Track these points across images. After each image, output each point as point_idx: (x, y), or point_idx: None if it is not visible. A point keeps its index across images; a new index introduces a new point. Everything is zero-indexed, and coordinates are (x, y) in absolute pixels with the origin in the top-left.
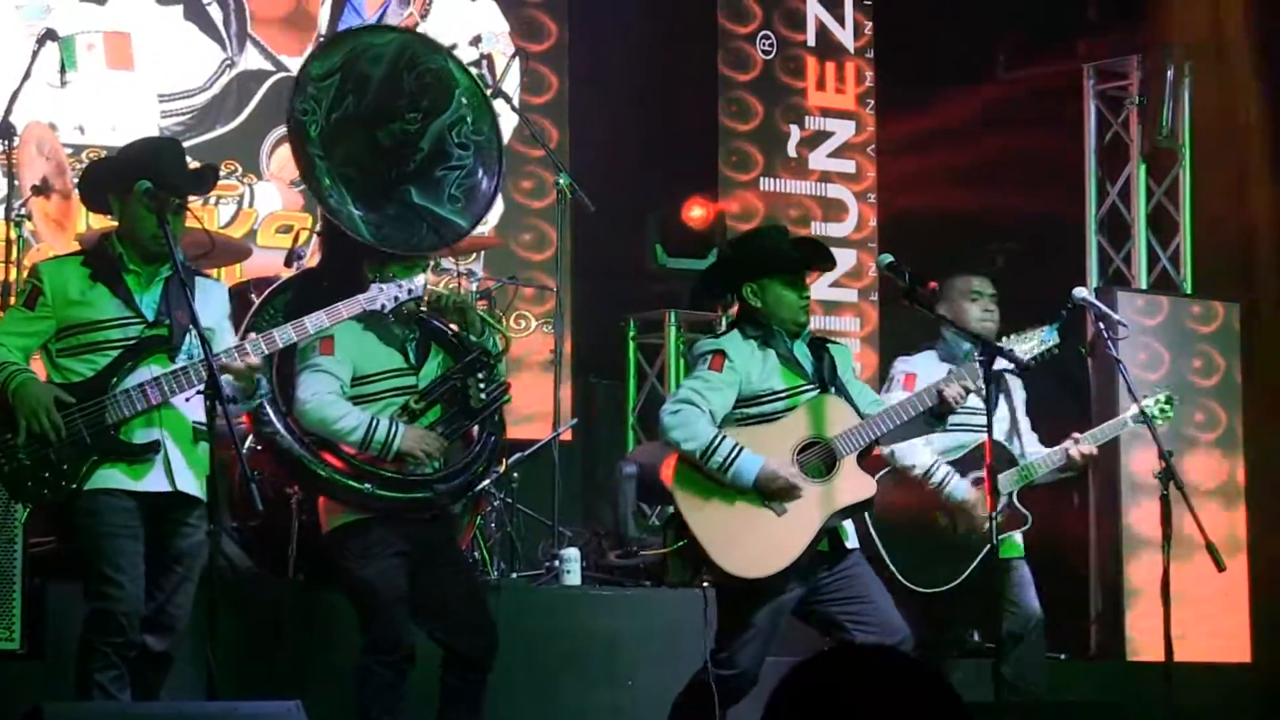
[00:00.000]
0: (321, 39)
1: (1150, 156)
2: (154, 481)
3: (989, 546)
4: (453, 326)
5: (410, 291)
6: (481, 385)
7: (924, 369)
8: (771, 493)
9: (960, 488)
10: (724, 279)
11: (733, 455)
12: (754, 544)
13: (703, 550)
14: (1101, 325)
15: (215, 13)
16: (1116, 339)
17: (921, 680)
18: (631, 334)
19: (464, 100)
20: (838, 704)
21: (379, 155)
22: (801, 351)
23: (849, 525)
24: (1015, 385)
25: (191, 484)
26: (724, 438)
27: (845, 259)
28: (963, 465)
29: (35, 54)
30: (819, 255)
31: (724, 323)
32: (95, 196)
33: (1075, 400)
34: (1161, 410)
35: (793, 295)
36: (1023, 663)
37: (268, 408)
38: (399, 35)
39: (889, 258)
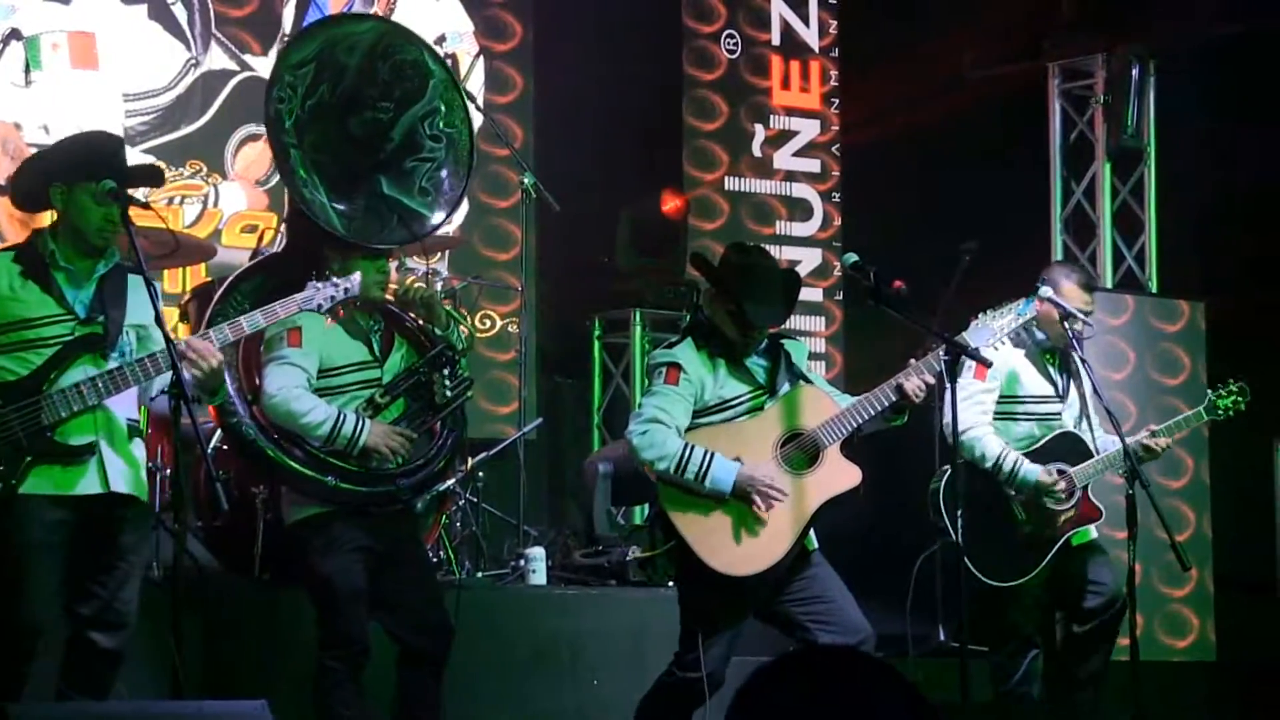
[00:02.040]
0: (286, 37)
1: (1115, 155)
2: (88, 485)
3: (1061, 539)
4: (417, 320)
5: (346, 290)
6: (447, 380)
7: (999, 356)
8: (750, 499)
9: (1032, 472)
10: (701, 272)
11: (705, 465)
12: (742, 542)
13: (691, 550)
14: (1066, 324)
15: (180, 12)
16: (1081, 338)
17: (884, 680)
18: (597, 333)
19: (438, 92)
20: (801, 705)
21: (350, 144)
22: (753, 360)
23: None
24: (1085, 370)
25: (127, 483)
26: (693, 448)
27: (810, 258)
28: (1039, 457)
29: (0, 53)
30: (769, 317)
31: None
32: (34, 191)
33: None
34: (1235, 401)
35: (734, 329)
36: (1091, 645)
37: (234, 398)
38: (376, 24)
39: (854, 257)
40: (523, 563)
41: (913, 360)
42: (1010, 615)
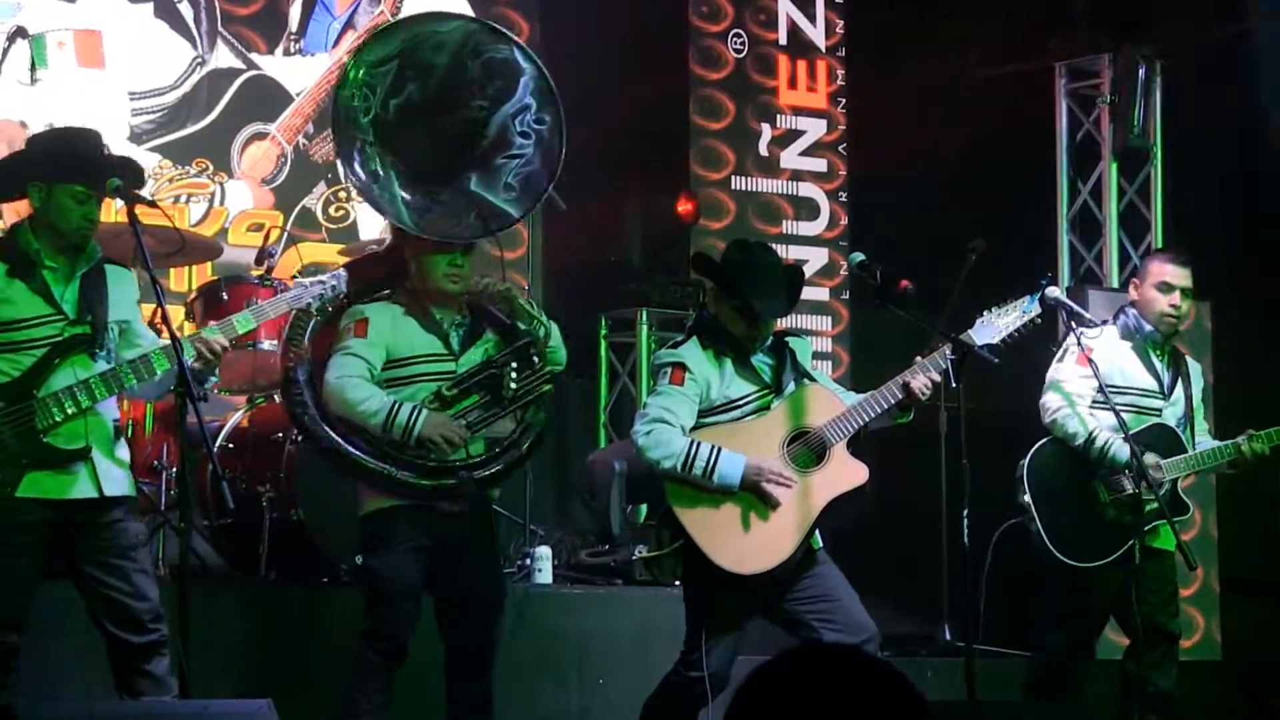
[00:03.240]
0: (293, 35)
1: (1122, 155)
2: (81, 490)
3: (1150, 526)
4: (503, 315)
5: (334, 288)
6: (514, 375)
7: (1101, 345)
8: (760, 489)
9: (1124, 450)
10: (702, 272)
11: (712, 459)
12: (748, 539)
13: (698, 549)
14: (1073, 324)
15: (186, 10)
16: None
17: (886, 680)
18: (603, 332)
19: (528, 89)
20: (802, 704)
21: (443, 142)
22: (759, 358)
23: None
24: (1195, 372)
25: (119, 485)
26: (699, 444)
27: (817, 258)
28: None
29: (5, 51)
30: (775, 308)
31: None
32: (10, 188)
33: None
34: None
35: (742, 324)
36: (1163, 658)
37: (306, 393)
38: (462, 23)
39: (860, 256)
40: (529, 562)
41: (919, 358)
42: (1080, 599)
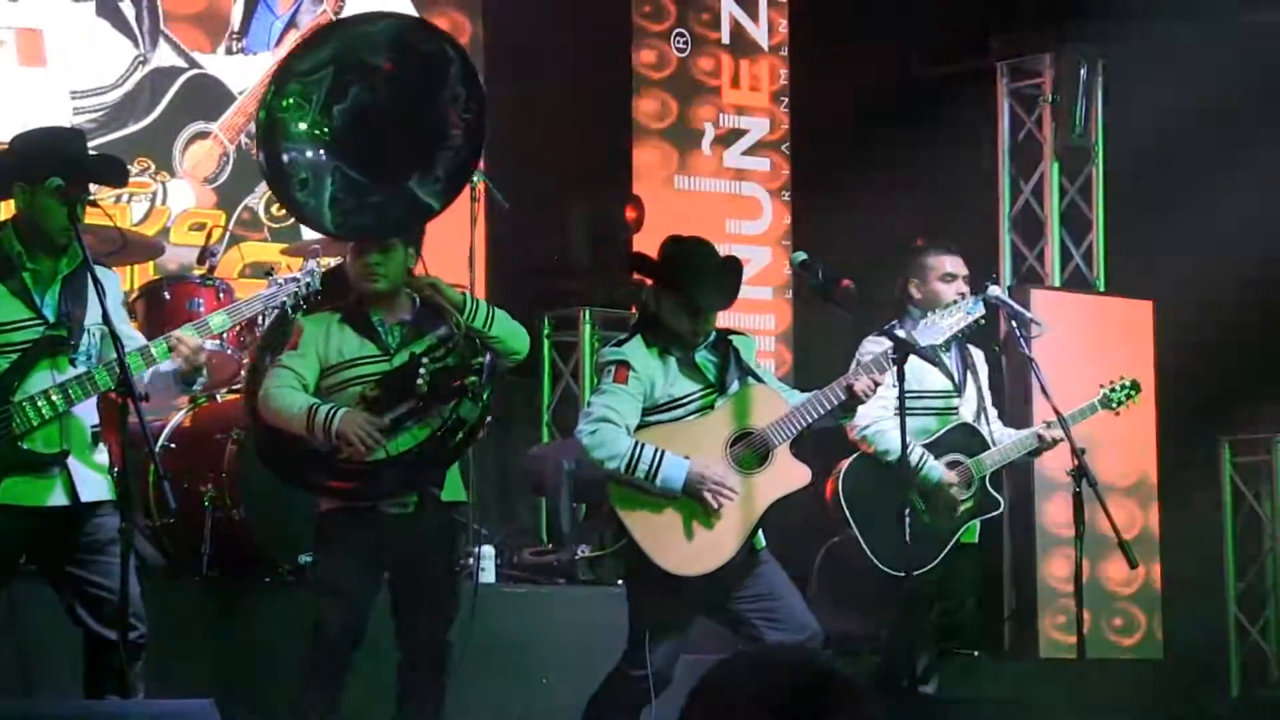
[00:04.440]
0: (234, 34)
1: (1063, 155)
2: (56, 498)
3: (963, 528)
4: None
5: (308, 285)
6: (422, 373)
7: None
8: (701, 494)
9: (935, 469)
10: (639, 271)
11: (656, 463)
12: (691, 541)
13: (640, 550)
14: (1014, 324)
15: (127, 9)
16: (1030, 337)
17: (833, 679)
18: (546, 332)
19: (458, 78)
20: (752, 703)
21: (393, 140)
22: (703, 355)
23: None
24: (980, 363)
25: (96, 491)
26: (643, 446)
27: (759, 257)
28: (935, 449)
29: None
30: (717, 299)
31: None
32: None
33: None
34: (1129, 395)
35: (686, 318)
36: (933, 664)
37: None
38: (392, 20)
39: (803, 255)
40: (471, 561)
41: (859, 360)
42: (904, 605)
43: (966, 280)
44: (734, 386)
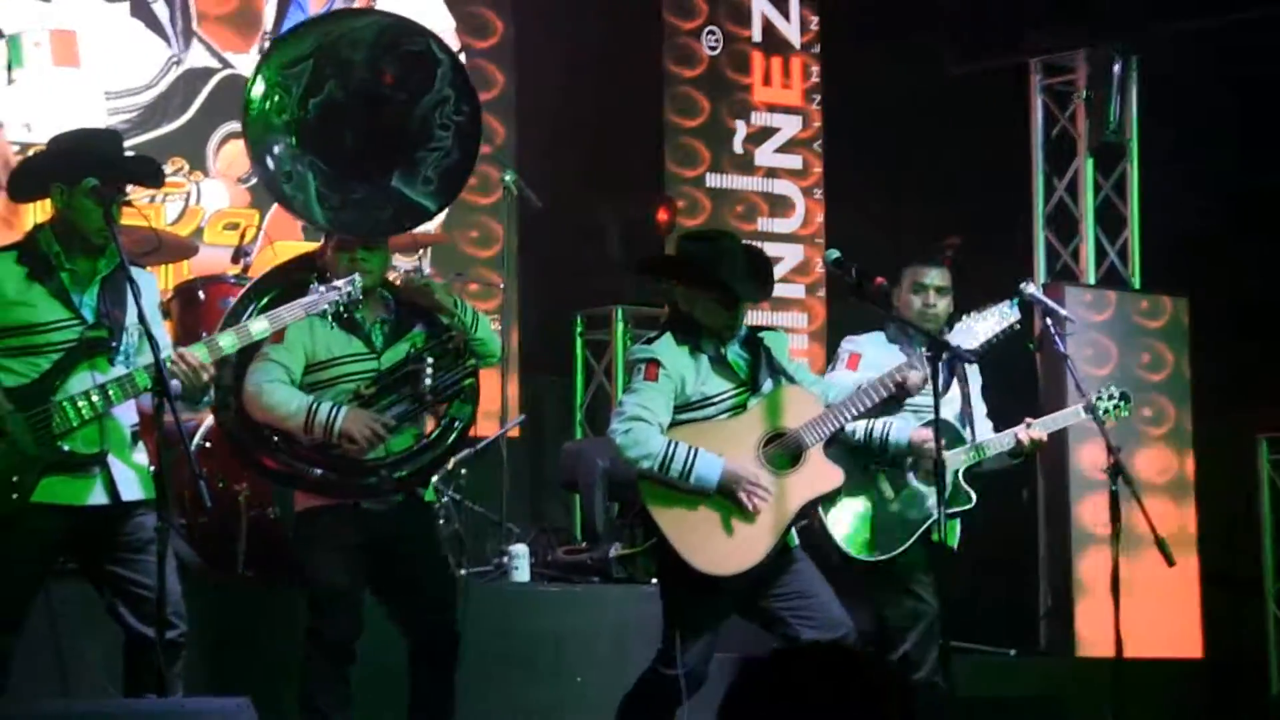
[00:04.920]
0: (267, 35)
1: (1098, 151)
2: (96, 497)
3: (931, 519)
4: (430, 309)
5: (349, 294)
6: (429, 372)
7: (870, 350)
8: (736, 494)
9: (903, 431)
10: (666, 275)
11: (690, 461)
12: (723, 541)
13: (672, 549)
14: (1049, 321)
15: (161, 10)
16: (1064, 334)
17: (871, 675)
18: (579, 330)
19: (446, 80)
20: (791, 700)
21: (363, 137)
22: (735, 353)
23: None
24: (972, 372)
25: (136, 490)
26: (677, 445)
27: (792, 254)
28: (916, 451)
29: None
30: (756, 291)
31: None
32: (34, 187)
33: (1019, 396)
34: (1116, 407)
35: (723, 313)
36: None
37: (229, 397)
38: (377, 18)
39: (836, 253)
40: (506, 560)
41: (903, 349)
42: (872, 593)
43: (943, 293)
44: (767, 385)
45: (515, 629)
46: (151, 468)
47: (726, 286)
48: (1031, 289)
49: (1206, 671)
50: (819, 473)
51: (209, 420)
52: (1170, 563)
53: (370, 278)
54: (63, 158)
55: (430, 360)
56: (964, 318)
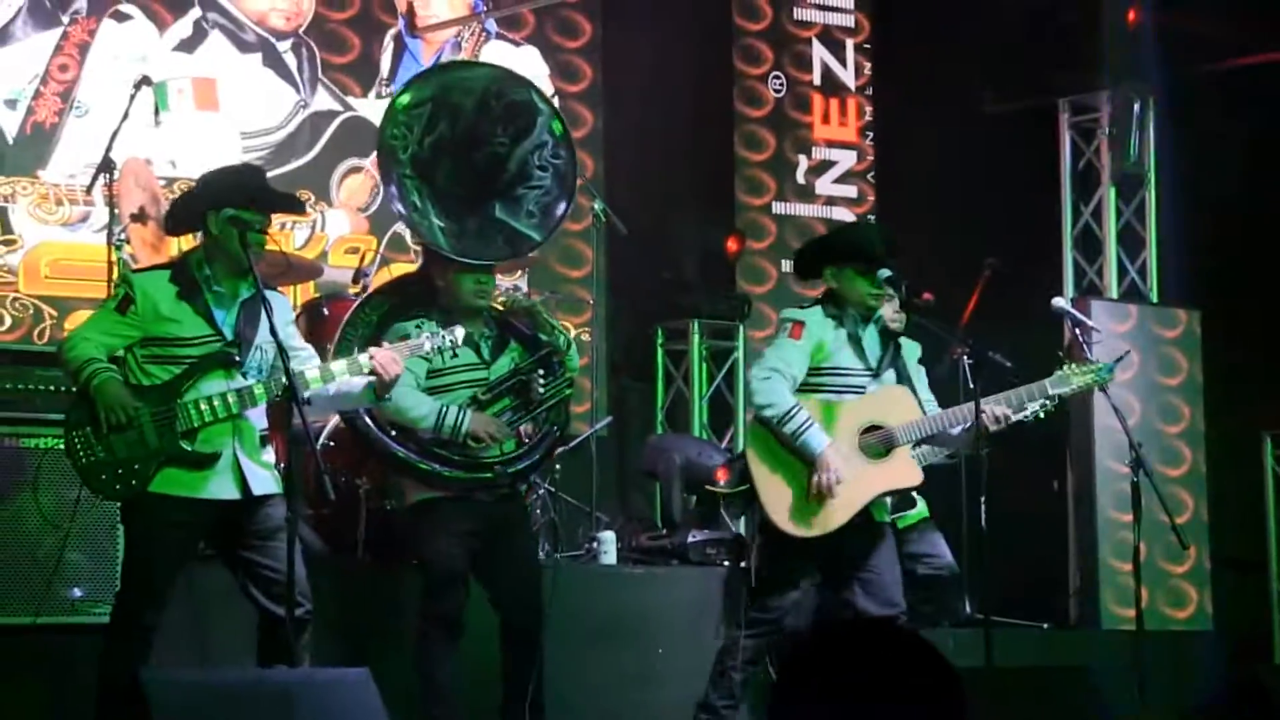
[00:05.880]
0: (384, 80)
1: (1119, 181)
2: (220, 490)
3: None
4: (526, 327)
5: (453, 342)
6: (541, 380)
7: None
8: (814, 473)
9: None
10: (810, 259)
11: (804, 428)
12: (804, 505)
13: (760, 502)
14: (1078, 331)
15: (290, 60)
16: (1091, 343)
17: (915, 648)
18: (660, 341)
19: (545, 127)
20: (841, 673)
21: (469, 174)
22: (871, 337)
23: (886, 499)
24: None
25: (265, 485)
26: (800, 409)
27: None
28: None
29: (132, 97)
30: (887, 254)
31: (740, 330)
32: (189, 218)
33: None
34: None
35: (865, 283)
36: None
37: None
38: (489, 70)
39: (887, 272)
40: (595, 545)
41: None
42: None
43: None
44: (888, 376)
45: (603, 607)
46: (280, 465)
47: (865, 251)
48: (1062, 303)
49: (1217, 643)
50: (902, 469)
51: (333, 422)
52: (1185, 546)
53: (488, 299)
54: (215, 190)
55: (541, 371)
56: (1064, 367)
